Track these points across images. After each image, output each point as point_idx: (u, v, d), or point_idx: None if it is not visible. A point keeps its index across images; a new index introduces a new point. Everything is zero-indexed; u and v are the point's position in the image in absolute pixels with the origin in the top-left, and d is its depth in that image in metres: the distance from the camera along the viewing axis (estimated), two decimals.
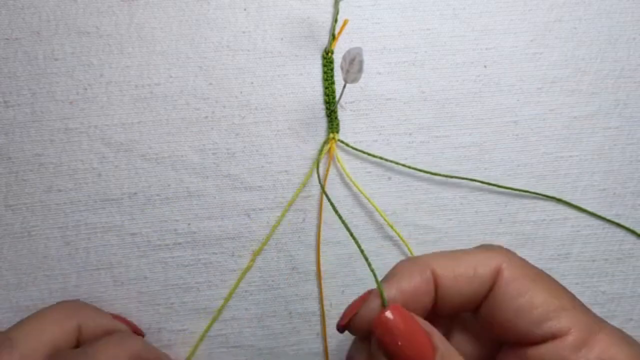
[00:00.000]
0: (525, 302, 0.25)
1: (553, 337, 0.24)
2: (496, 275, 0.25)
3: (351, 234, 0.25)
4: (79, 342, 0.29)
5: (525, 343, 0.24)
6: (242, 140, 0.32)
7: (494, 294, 0.25)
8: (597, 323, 0.25)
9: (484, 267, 0.25)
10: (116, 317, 0.31)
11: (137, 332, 0.32)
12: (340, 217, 0.25)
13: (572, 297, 0.25)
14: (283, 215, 0.32)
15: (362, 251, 0.25)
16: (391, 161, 0.32)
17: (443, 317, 0.26)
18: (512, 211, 0.33)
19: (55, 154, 0.32)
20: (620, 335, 0.25)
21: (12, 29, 0.32)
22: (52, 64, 0.32)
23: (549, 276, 0.26)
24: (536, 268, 0.26)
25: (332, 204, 0.26)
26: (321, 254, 0.32)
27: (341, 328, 0.25)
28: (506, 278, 0.25)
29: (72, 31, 0.32)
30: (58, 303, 0.30)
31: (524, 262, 0.26)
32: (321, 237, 0.32)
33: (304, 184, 0.32)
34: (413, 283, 0.25)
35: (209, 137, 0.32)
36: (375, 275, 0.24)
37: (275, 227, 0.32)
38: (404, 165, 0.33)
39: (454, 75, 0.33)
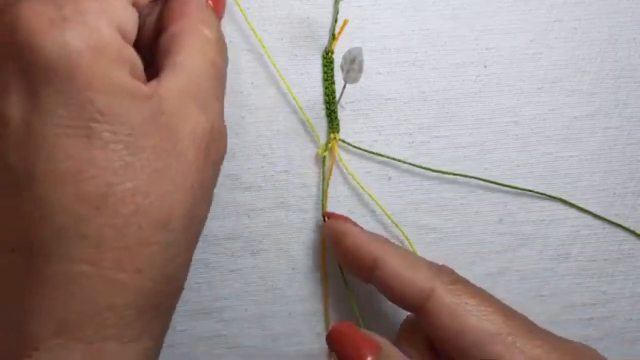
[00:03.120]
0: (457, 325, 0.25)
1: None
2: (429, 294, 0.26)
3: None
4: None
5: None
6: (242, 140, 0.32)
7: (427, 314, 0.26)
8: (532, 342, 0.25)
9: (420, 283, 0.26)
10: None
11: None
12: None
13: (506, 320, 0.25)
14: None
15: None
16: (394, 159, 0.32)
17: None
18: (512, 211, 0.33)
19: None
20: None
21: None
22: None
23: (486, 297, 0.26)
24: (473, 287, 0.27)
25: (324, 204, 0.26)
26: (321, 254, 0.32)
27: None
28: (437, 302, 0.25)
29: None
30: None
31: (462, 286, 0.26)
32: (322, 237, 0.32)
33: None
34: (353, 259, 0.28)
35: None
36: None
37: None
38: (407, 162, 0.32)
39: (454, 75, 0.33)
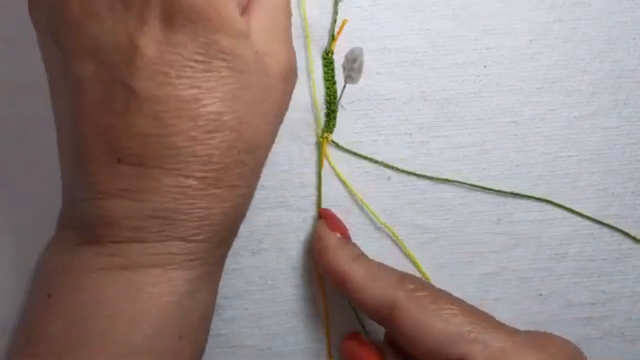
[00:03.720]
0: (423, 331, 0.26)
1: None
2: (392, 308, 0.27)
3: None
4: None
5: None
6: None
7: (394, 325, 0.27)
8: (495, 336, 0.25)
9: (381, 294, 0.27)
10: None
11: None
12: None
13: (468, 319, 0.26)
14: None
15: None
16: (384, 164, 0.33)
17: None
18: (509, 211, 0.33)
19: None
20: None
21: (12, 29, 0.32)
22: None
23: (448, 299, 0.27)
24: (435, 291, 0.28)
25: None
26: None
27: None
28: (402, 312, 0.27)
29: None
30: None
31: (424, 293, 0.27)
32: None
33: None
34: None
35: None
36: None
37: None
38: (397, 168, 0.33)
39: (454, 75, 0.33)
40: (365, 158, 0.33)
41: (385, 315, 0.27)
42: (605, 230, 0.33)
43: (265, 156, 0.28)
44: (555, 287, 0.33)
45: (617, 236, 0.33)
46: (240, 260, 0.32)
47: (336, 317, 0.33)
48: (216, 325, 0.32)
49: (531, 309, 0.33)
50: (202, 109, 0.24)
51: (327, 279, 0.30)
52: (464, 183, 0.33)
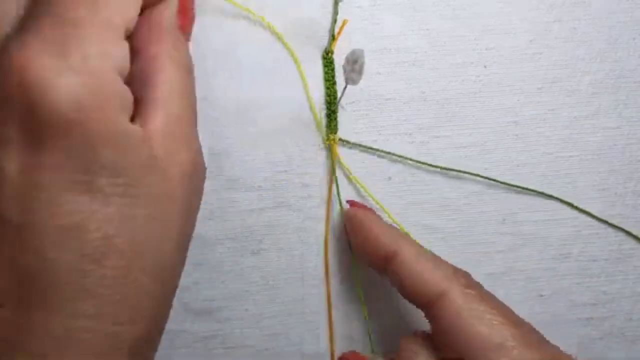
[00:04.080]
0: (465, 329, 0.25)
1: None
2: (441, 296, 0.26)
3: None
4: None
5: None
6: (242, 140, 0.32)
7: (436, 314, 0.26)
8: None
9: (433, 279, 0.26)
10: None
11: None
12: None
13: (514, 331, 0.25)
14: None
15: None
16: (396, 155, 0.32)
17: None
18: (514, 211, 0.33)
19: None
20: None
21: None
22: None
23: (497, 304, 0.26)
24: (486, 293, 0.27)
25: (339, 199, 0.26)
26: (322, 253, 0.32)
27: None
28: (449, 303, 0.26)
29: None
30: None
31: (476, 292, 0.26)
32: (325, 237, 0.32)
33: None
34: (371, 247, 0.28)
35: (209, 137, 0.32)
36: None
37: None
38: (409, 158, 0.32)
39: (454, 75, 0.33)
40: (378, 151, 0.32)
41: (429, 303, 0.26)
42: (610, 230, 0.33)
43: (175, 278, 0.25)
44: (557, 287, 0.33)
45: (620, 236, 0.33)
46: (240, 261, 0.32)
47: (338, 318, 0.33)
48: (216, 325, 0.32)
49: (534, 309, 0.33)
50: (87, 236, 0.21)
51: (367, 255, 0.29)
52: (477, 175, 0.33)
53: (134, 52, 0.24)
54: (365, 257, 0.30)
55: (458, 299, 0.26)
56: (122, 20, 0.23)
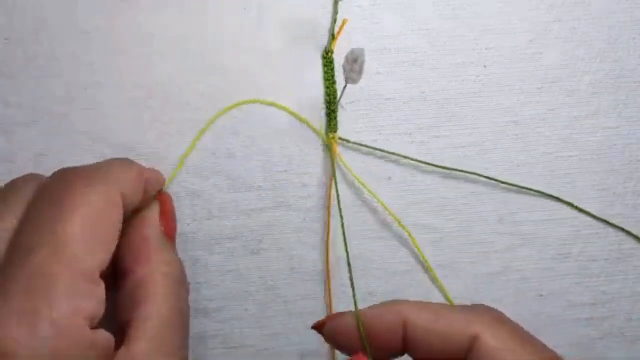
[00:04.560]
0: None
1: None
2: (473, 341, 0.23)
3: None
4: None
5: None
6: (242, 140, 0.32)
7: (474, 349, 0.23)
8: None
9: (460, 330, 0.23)
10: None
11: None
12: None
13: None
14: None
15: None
16: (396, 154, 0.32)
17: None
18: (513, 211, 0.33)
19: (56, 155, 0.32)
20: None
21: (12, 29, 0.32)
22: (52, 63, 0.32)
23: (533, 341, 0.24)
24: (524, 335, 0.24)
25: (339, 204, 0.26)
26: (323, 254, 0.32)
27: (314, 329, 0.26)
28: (484, 347, 0.23)
29: (72, 31, 0.32)
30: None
31: (508, 330, 0.24)
32: (326, 237, 0.32)
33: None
34: (380, 331, 0.24)
35: (209, 137, 0.32)
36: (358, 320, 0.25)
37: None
38: (409, 158, 0.32)
39: (454, 75, 0.33)
40: (378, 150, 0.32)
41: (461, 345, 0.23)
42: (610, 230, 0.33)
43: None
44: (557, 287, 0.33)
45: (620, 236, 0.33)
46: (240, 261, 0.32)
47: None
48: (216, 326, 0.32)
49: (533, 309, 0.33)
50: None
51: (381, 347, 0.25)
52: (476, 174, 0.33)
53: (123, 273, 0.26)
54: (381, 350, 0.25)
55: (491, 343, 0.23)
56: (96, 266, 0.23)
